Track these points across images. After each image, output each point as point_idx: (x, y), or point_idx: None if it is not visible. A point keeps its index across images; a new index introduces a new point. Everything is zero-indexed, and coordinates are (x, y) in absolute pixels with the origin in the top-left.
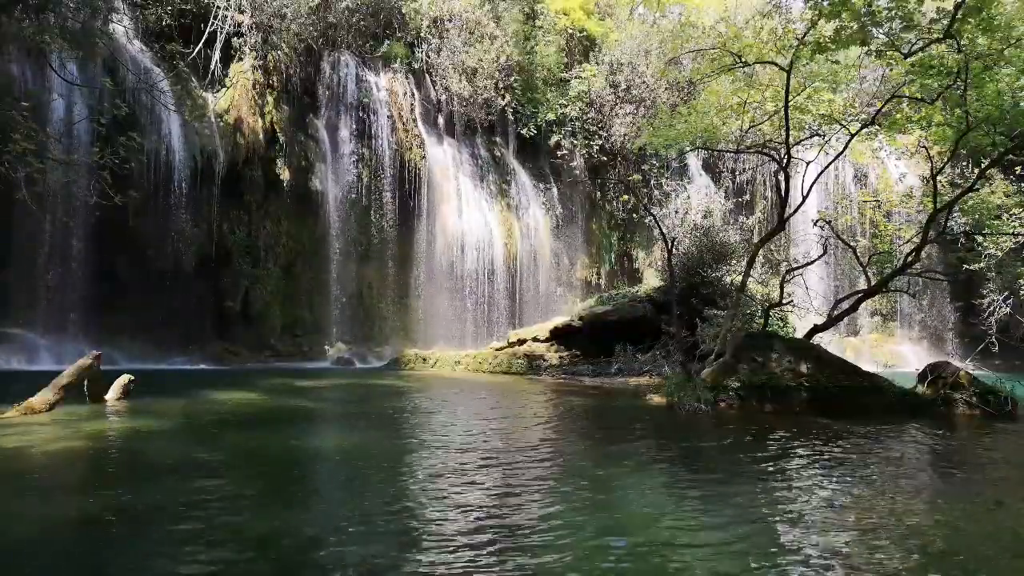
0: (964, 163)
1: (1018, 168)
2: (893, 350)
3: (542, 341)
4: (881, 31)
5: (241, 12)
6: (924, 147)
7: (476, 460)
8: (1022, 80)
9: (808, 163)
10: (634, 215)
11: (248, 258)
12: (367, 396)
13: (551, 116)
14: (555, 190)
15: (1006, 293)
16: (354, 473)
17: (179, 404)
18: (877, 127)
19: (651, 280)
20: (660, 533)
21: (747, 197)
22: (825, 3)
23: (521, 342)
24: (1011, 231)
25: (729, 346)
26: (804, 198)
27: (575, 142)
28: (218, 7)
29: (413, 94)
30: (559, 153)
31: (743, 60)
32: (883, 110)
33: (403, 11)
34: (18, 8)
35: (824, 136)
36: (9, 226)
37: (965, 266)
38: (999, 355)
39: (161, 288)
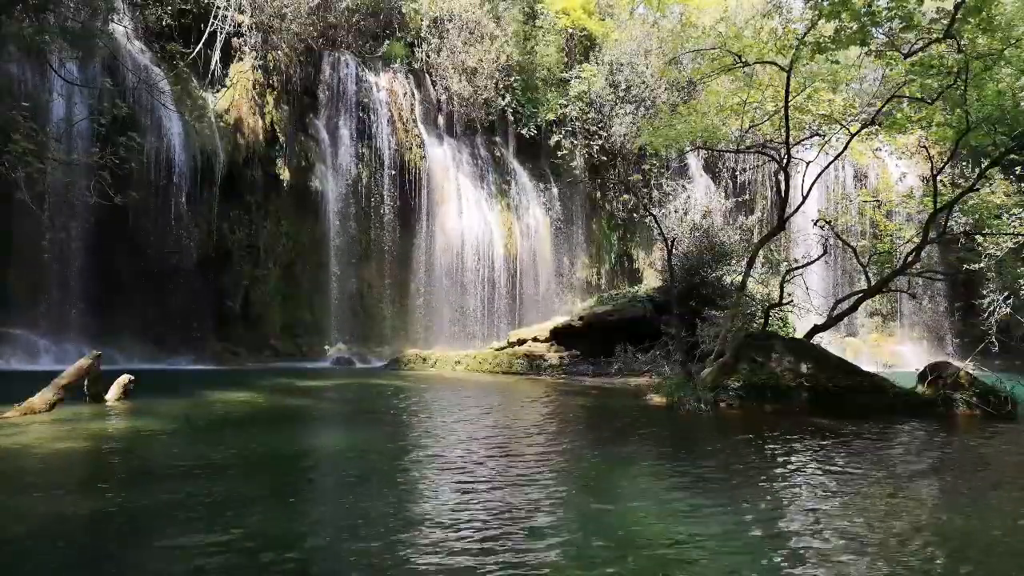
0: (964, 163)
1: (1018, 168)
2: (893, 350)
3: (542, 341)
4: (881, 31)
5: (241, 12)
6: (924, 147)
7: (475, 460)
8: (1022, 80)
9: (808, 163)
10: (634, 215)
11: (248, 258)
12: (367, 396)
13: (551, 116)
14: (555, 190)
15: (1006, 293)
16: (353, 474)
17: (179, 404)
18: (877, 127)
19: (651, 280)
20: (661, 534)
21: (747, 197)
22: (825, 3)
23: (521, 342)
24: (1011, 231)
25: (729, 346)
26: (804, 198)
27: (575, 142)
28: (218, 7)
29: (413, 94)
30: (559, 153)
31: (743, 60)
32: (883, 110)
33: (403, 11)
34: (18, 8)
35: (824, 136)
36: (9, 226)
37: (965, 266)
38: (999, 355)
39: (161, 288)
